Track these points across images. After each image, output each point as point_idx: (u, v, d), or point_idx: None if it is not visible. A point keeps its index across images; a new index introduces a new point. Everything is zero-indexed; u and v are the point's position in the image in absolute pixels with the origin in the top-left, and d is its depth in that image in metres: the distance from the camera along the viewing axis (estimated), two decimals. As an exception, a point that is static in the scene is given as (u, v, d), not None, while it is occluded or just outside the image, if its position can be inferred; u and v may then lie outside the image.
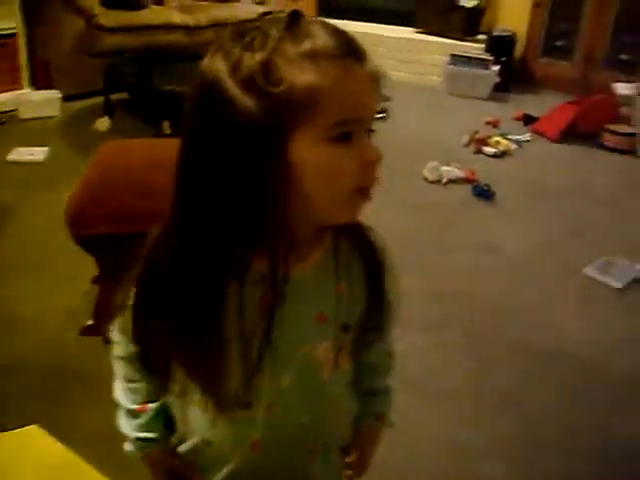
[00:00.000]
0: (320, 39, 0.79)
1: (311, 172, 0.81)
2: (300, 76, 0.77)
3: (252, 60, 0.78)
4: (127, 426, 1.07)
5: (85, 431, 1.95)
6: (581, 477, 2.02)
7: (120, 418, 1.08)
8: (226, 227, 0.83)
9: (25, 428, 1.18)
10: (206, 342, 0.89)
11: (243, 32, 0.81)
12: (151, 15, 5.08)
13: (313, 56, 0.78)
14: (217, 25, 5.43)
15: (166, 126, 4.08)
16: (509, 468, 2.01)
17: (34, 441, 1.16)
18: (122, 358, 1.07)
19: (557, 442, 2.12)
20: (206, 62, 0.82)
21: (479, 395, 2.31)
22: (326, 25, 0.82)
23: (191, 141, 0.84)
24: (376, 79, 0.83)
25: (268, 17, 0.83)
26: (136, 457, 1.08)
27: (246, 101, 0.77)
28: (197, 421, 0.99)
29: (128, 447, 1.08)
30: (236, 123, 0.78)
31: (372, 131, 0.85)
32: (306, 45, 0.78)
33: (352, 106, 0.80)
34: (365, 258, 0.99)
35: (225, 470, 1.01)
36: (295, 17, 0.81)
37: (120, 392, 1.08)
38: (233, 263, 0.85)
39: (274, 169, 0.79)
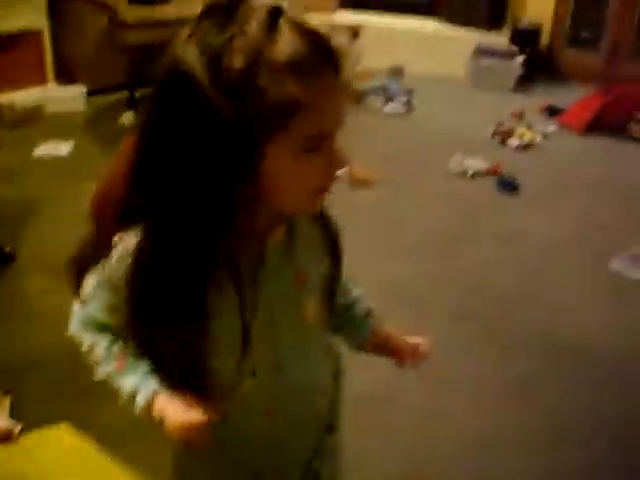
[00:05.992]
0: (300, 46, 0.77)
1: (280, 178, 0.82)
2: (280, 88, 0.75)
3: (232, 63, 0.75)
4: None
5: (115, 427, 1.94)
6: (605, 468, 2.02)
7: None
8: (196, 223, 0.83)
9: (56, 426, 1.19)
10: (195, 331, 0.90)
11: (219, 20, 0.80)
12: (175, 9, 5.08)
13: (294, 67, 0.76)
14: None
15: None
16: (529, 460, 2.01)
17: (65, 439, 1.17)
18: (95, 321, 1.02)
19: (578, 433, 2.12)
20: (180, 49, 0.81)
21: (499, 384, 2.32)
22: (303, 27, 0.79)
23: (155, 133, 0.83)
24: (349, 88, 0.83)
25: (246, 5, 0.79)
26: (148, 412, 0.94)
27: (222, 104, 0.76)
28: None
29: (139, 401, 0.94)
30: (209, 125, 0.77)
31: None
32: (287, 53, 0.76)
33: (328, 120, 0.82)
34: (325, 231, 1.01)
35: (243, 438, 0.99)
36: (275, 15, 0.78)
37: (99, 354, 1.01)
38: (213, 252, 0.86)
39: (244, 175, 0.80)
